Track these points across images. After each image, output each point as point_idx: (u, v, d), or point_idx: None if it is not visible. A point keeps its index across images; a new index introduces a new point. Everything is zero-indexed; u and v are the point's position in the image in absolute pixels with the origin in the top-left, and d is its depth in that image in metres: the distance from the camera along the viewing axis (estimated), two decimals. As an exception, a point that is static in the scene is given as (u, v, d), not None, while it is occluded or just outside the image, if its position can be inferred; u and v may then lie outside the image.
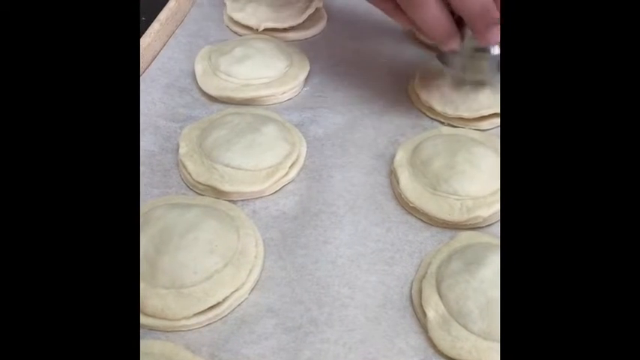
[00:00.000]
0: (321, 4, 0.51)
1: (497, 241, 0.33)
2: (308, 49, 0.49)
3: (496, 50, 0.39)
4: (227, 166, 0.37)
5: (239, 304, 0.31)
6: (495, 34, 0.36)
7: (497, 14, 0.35)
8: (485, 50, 0.39)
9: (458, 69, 0.41)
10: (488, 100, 0.41)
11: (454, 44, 0.38)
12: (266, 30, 0.49)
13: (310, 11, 0.50)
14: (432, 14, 0.36)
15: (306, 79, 0.46)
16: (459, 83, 0.42)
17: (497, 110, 0.41)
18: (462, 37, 0.38)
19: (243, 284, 0.32)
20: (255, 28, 0.49)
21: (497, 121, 0.41)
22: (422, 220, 0.36)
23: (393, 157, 0.39)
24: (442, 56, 0.42)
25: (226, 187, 0.36)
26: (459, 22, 0.37)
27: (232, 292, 0.31)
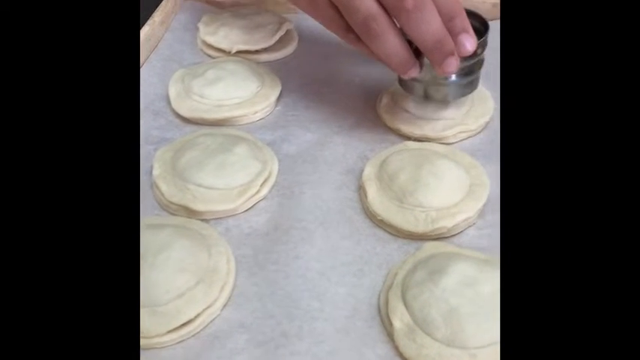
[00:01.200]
0: (291, 26, 0.53)
1: (460, 250, 0.34)
2: (280, 69, 0.51)
3: (454, 76, 0.41)
4: (199, 186, 0.38)
5: (211, 321, 0.32)
6: (451, 64, 0.37)
7: (451, 45, 0.36)
8: (444, 77, 0.41)
9: (419, 95, 0.43)
10: (453, 121, 0.43)
11: (413, 72, 0.39)
12: (238, 52, 0.51)
13: (281, 33, 0.52)
14: (391, 45, 0.37)
15: (278, 99, 0.47)
16: (422, 104, 0.44)
17: (462, 127, 0.43)
18: (421, 65, 0.39)
19: (215, 301, 0.32)
20: (227, 50, 0.51)
21: (461, 134, 0.43)
22: (389, 233, 0.37)
23: (361, 171, 0.40)
24: (403, 83, 0.43)
25: (199, 207, 0.37)
26: (418, 51, 0.38)
27: (204, 309, 0.32)
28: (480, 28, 0.41)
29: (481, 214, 0.37)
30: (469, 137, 0.44)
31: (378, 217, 0.37)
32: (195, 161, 0.39)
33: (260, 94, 0.46)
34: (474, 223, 0.37)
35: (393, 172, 0.38)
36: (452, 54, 0.36)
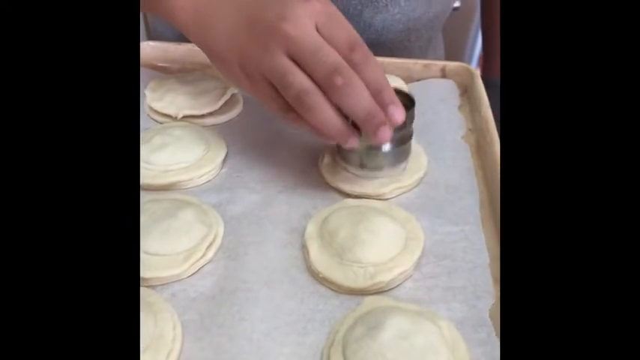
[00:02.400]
0: (236, 91, 0.55)
1: (397, 304, 0.36)
2: (225, 132, 0.53)
3: (387, 147, 0.44)
4: (145, 252, 0.38)
5: (158, 389, 0.32)
6: (384, 133, 0.39)
7: (381, 116, 0.38)
8: (378, 147, 0.44)
9: (356, 165, 0.45)
10: (389, 179, 0.46)
11: (353, 142, 0.41)
12: (185, 117, 0.53)
13: (226, 98, 0.54)
14: (325, 116, 0.39)
15: (224, 161, 0.49)
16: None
17: (397, 184, 0.46)
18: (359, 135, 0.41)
19: (161, 368, 0.33)
20: (174, 116, 0.53)
21: (397, 190, 0.46)
22: (331, 289, 0.38)
23: (305, 230, 0.42)
24: (341, 154, 0.46)
25: (145, 274, 0.37)
26: (355, 124, 0.40)
27: (150, 378, 0.32)
28: (407, 103, 0.44)
29: (417, 266, 0.40)
30: (404, 192, 0.46)
31: (320, 275, 0.38)
32: (141, 228, 0.40)
33: (206, 158, 0.48)
34: (411, 276, 0.39)
35: (333, 230, 0.40)
36: (384, 124, 0.39)
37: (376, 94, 0.39)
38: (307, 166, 0.49)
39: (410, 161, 0.48)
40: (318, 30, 0.39)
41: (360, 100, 0.38)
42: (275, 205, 0.45)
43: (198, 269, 0.40)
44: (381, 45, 0.64)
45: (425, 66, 0.60)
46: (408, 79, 0.59)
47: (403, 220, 0.42)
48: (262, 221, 0.44)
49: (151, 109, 0.54)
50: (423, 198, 0.46)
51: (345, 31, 0.40)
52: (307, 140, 0.52)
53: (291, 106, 0.40)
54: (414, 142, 0.49)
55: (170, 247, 0.39)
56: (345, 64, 0.38)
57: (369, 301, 0.36)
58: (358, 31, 0.40)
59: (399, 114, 0.39)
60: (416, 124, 0.54)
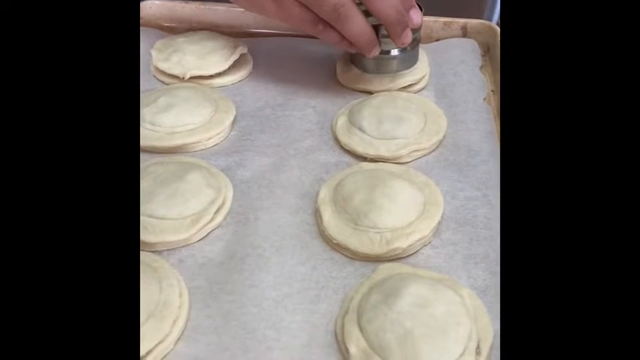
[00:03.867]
0: (245, 50, 0.53)
1: (415, 271, 0.34)
2: (234, 93, 0.50)
3: (396, 52, 0.48)
4: (150, 216, 0.37)
5: (164, 356, 0.31)
6: (407, 35, 0.45)
7: (406, 19, 0.44)
8: (388, 52, 0.48)
9: (371, 70, 0.50)
10: (407, 140, 0.43)
11: (376, 51, 0.46)
12: (192, 78, 0.50)
13: (235, 57, 0.51)
14: (359, 26, 0.43)
15: (233, 124, 0.47)
16: (376, 123, 0.44)
17: (415, 146, 0.43)
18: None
19: (167, 336, 0.31)
20: (181, 76, 0.50)
21: (416, 153, 0.43)
22: (345, 256, 0.37)
23: (317, 195, 0.40)
24: (356, 61, 0.50)
25: (150, 238, 0.36)
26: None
27: (156, 345, 0.31)
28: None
29: (436, 232, 0.38)
30: (423, 156, 0.44)
31: (334, 241, 0.36)
32: (146, 192, 0.38)
33: (214, 120, 0.46)
34: (429, 242, 0.37)
35: (347, 195, 0.38)
36: (408, 27, 0.44)
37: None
38: (319, 130, 0.47)
39: (428, 124, 0.45)
40: None
41: (391, 2, 0.42)
42: (286, 169, 0.43)
43: (207, 234, 0.38)
44: None
45: (445, 24, 0.57)
46: (427, 38, 0.56)
47: (422, 185, 0.40)
48: (273, 185, 0.42)
49: (157, 69, 0.52)
50: (443, 162, 0.44)
51: None
52: (319, 103, 0.50)
53: (319, 20, 0.43)
54: (434, 104, 0.47)
55: (177, 211, 0.37)
56: None
57: (385, 268, 0.34)
58: None
59: (417, 17, 0.46)
60: (436, 86, 0.51)
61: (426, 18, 0.57)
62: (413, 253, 0.36)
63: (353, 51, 0.47)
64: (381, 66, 0.49)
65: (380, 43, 0.46)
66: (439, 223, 0.38)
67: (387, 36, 0.45)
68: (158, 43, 0.54)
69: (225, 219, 0.39)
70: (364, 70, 0.50)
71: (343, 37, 0.44)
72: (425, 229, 0.36)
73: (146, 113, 0.45)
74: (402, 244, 0.35)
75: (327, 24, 0.43)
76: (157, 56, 0.52)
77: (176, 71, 0.50)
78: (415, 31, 0.47)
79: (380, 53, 0.47)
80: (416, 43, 0.49)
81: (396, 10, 0.43)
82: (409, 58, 0.49)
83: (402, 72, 0.49)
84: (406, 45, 0.46)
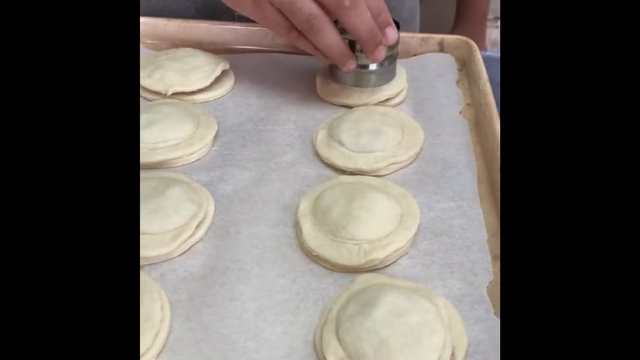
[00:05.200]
0: (227, 67, 0.54)
1: (392, 281, 0.35)
2: (217, 109, 0.51)
3: (374, 66, 0.50)
4: (132, 232, 0.37)
5: (145, 371, 0.32)
6: (380, 51, 0.46)
7: (380, 36, 0.45)
8: (366, 67, 0.50)
9: (350, 83, 0.51)
10: (384, 153, 0.44)
11: (351, 65, 0.47)
12: (175, 94, 0.51)
13: (217, 73, 0.52)
14: (330, 38, 0.44)
15: (215, 139, 0.48)
16: (354, 136, 0.46)
17: (393, 159, 0.44)
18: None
19: (149, 349, 0.32)
20: (163, 93, 0.51)
21: (393, 166, 0.45)
22: (325, 267, 0.37)
23: (297, 208, 0.41)
24: (335, 75, 0.52)
25: (132, 253, 0.36)
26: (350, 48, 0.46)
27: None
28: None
29: (413, 243, 0.39)
30: (401, 168, 0.45)
31: (314, 253, 0.37)
32: (128, 207, 0.38)
33: (196, 135, 0.47)
34: (407, 253, 0.38)
35: (326, 207, 0.39)
36: (381, 43, 0.46)
37: (376, 17, 0.45)
38: (300, 144, 0.48)
39: (406, 136, 0.46)
40: None
41: (364, 20, 0.44)
42: (267, 182, 0.44)
43: (188, 248, 0.38)
44: None
45: (423, 40, 0.58)
46: (405, 54, 0.58)
47: (399, 197, 0.41)
48: (254, 199, 0.43)
49: (140, 86, 0.52)
50: (420, 174, 0.45)
51: None
52: (299, 118, 0.51)
53: (293, 27, 0.44)
54: (411, 117, 0.49)
55: (158, 226, 0.38)
56: None
57: (363, 279, 0.35)
58: None
59: (393, 35, 0.47)
60: (413, 100, 0.53)
61: (403, 34, 0.58)
62: (390, 264, 0.37)
63: (328, 62, 0.49)
64: (359, 80, 0.51)
65: (357, 57, 0.47)
66: (416, 234, 0.39)
67: None
68: (141, 60, 0.54)
69: (206, 233, 0.40)
70: (343, 83, 0.52)
71: (317, 48, 0.45)
72: (402, 240, 0.37)
73: (128, 129, 0.45)
74: (380, 255, 0.36)
75: (301, 32, 0.45)
76: (140, 73, 0.53)
77: (158, 88, 0.51)
78: (392, 47, 0.49)
79: (359, 67, 0.49)
80: (393, 58, 0.51)
81: (368, 27, 0.44)
82: (387, 72, 0.51)
83: (379, 86, 0.51)
84: (380, 61, 0.48)
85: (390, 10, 0.47)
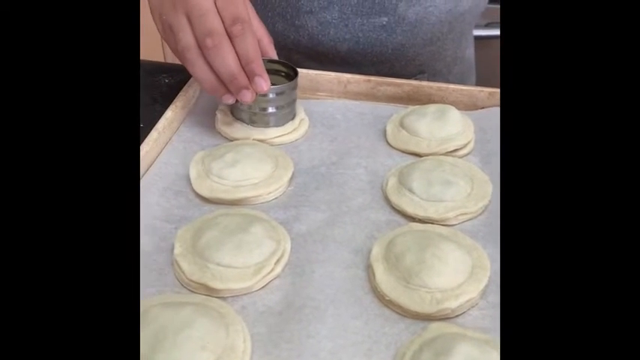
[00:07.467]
0: (304, 116, 0.57)
1: (464, 331, 0.36)
2: (292, 151, 0.54)
3: (271, 109, 0.54)
4: (218, 264, 0.40)
5: (228, 399, 0.34)
6: (245, 95, 0.49)
7: (245, 81, 0.48)
8: (265, 109, 0.54)
9: (246, 121, 0.55)
10: (454, 203, 0.46)
11: (228, 99, 0.50)
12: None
13: (294, 125, 0.56)
14: (200, 71, 0.49)
15: (290, 180, 0.51)
16: (425, 186, 0.47)
17: (463, 210, 0.46)
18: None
19: (233, 379, 0.34)
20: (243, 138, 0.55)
21: (462, 217, 0.46)
22: (396, 312, 0.39)
23: (369, 251, 0.43)
24: (235, 112, 0.55)
25: (217, 285, 0.39)
26: None
27: (222, 387, 0.33)
28: (291, 73, 0.56)
29: (483, 295, 0.40)
30: (469, 219, 0.46)
31: (387, 298, 0.39)
32: (215, 241, 0.41)
33: (274, 175, 0.50)
34: (477, 304, 0.39)
35: (399, 253, 0.41)
36: (245, 88, 0.49)
37: (246, 65, 0.48)
38: (370, 189, 0.50)
39: (475, 188, 0.48)
40: (215, 2, 0.47)
41: (225, 63, 0.47)
42: (340, 225, 0.46)
43: (267, 283, 0.41)
44: (415, 36, 0.66)
45: (490, 94, 0.60)
46: (472, 107, 0.60)
47: (469, 248, 0.42)
48: (327, 240, 0.45)
49: (222, 130, 0.56)
50: (488, 226, 0.46)
51: (235, 7, 0.48)
52: (369, 163, 0.53)
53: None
54: (480, 170, 0.50)
55: (242, 260, 0.40)
56: (221, 31, 0.47)
57: (436, 327, 0.37)
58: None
59: (262, 84, 0.49)
60: (480, 152, 0.54)
61: (472, 88, 0.61)
62: (461, 314, 0.38)
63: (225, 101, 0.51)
64: (255, 119, 0.54)
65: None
66: (486, 285, 0.40)
67: (263, 95, 0.51)
68: (222, 106, 0.58)
69: (283, 270, 0.42)
70: (240, 119, 0.55)
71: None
72: (473, 291, 0.38)
73: (214, 167, 0.49)
74: (452, 304, 0.37)
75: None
76: (222, 119, 0.56)
77: (239, 135, 0.55)
78: (282, 93, 0.53)
79: (257, 107, 0.53)
80: (288, 103, 0.55)
81: (229, 71, 0.47)
82: (281, 117, 0.55)
83: (271, 127, 0.55)
84: (247, 103, 0.50)
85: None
